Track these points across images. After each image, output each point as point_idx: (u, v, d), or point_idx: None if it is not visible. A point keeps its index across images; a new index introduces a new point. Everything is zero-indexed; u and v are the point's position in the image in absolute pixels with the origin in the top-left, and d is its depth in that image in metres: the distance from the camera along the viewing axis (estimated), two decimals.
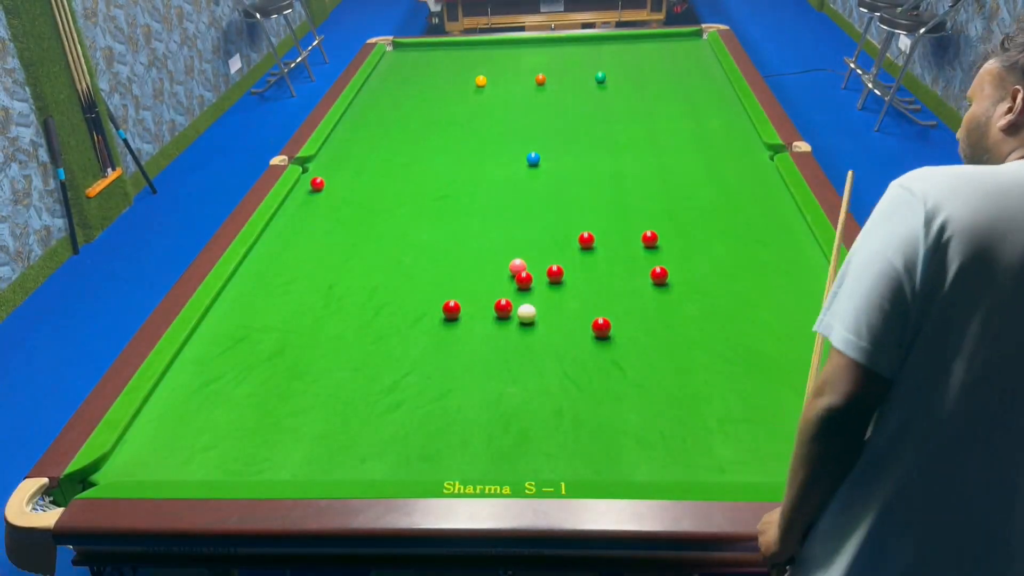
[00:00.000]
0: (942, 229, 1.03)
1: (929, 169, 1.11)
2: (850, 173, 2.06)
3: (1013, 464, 1.10)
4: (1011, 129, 1.16)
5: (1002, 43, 1.19)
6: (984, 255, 1.02)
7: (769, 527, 1.35)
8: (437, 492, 1.70)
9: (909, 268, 1.04)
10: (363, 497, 1.69)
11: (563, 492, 1.68)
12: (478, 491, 1.69)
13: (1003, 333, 1.04)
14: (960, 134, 1.27)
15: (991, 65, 1.20)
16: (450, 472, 1.80)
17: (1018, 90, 1.15)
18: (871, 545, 1.17)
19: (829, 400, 1.10)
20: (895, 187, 1.11)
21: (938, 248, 1.03)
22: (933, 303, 1.04)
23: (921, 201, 1.05)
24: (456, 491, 1.70)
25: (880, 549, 1.17)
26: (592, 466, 1.80)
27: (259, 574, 2.18)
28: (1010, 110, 1.16)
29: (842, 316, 1.10)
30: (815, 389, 1.13)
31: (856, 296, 1.08)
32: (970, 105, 1.25)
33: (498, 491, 1.69)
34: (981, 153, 1.22)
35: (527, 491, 1.69)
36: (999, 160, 1.17)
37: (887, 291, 1.06)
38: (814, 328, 1.17)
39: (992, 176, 1.08)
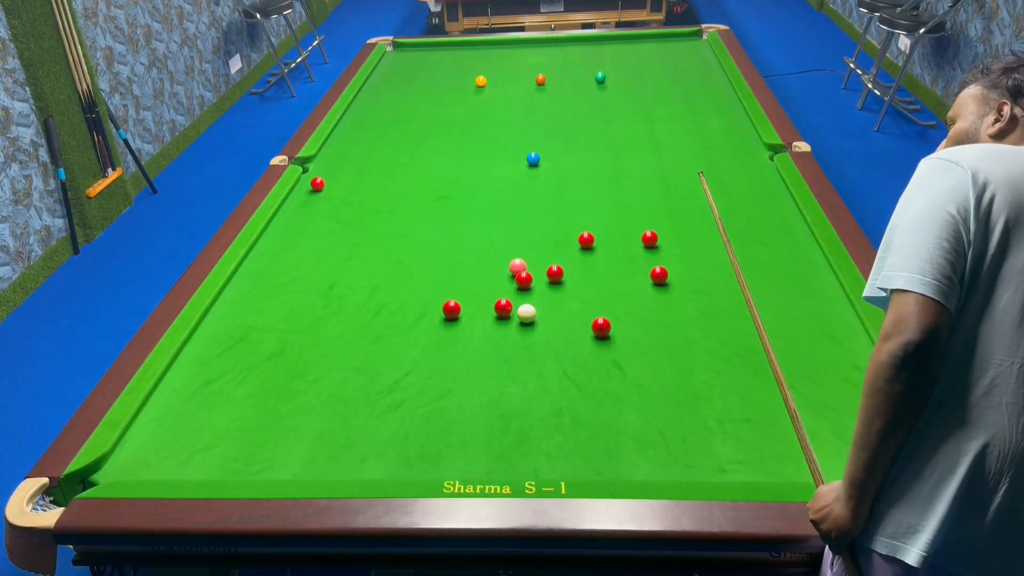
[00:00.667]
0: (986, 185, 1.20)
1: (956, 147, 1.30)
2: (701, 175, 2.20)
3: None
4: (999, 136, 1.34)
5: (982, 70, 1.41)
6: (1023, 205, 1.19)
7: (831, 507, 1.32)
8: (437, 492, 1.70)
9: (963, 216, 1.19)
10: (363, 497, 1.69)
11: (563, 492, 1.68)
12: (478, 491, 1.69)
13: None
14: (946, 147, 1.38)
15: (973, 89, 1.41)
16: (450, 472, 1.80)
17: (1004, 103, 1.34)
18: (962, 488, 1.20)
19: (905, 337, 1.16)
20: (933, 159, 1.27)
21: (984, 201, 1.19)
22: (988, 246, 1.19)
23: (963, 165, 1.22)
24: (456, 491, 1.70)
25: (971, 487, 1.20)
26: (592, 466, 1.80)
27: (259, 574, 2.18)
28: (997, 120, 1.35)
29: (903, 263, 1.20)
30: (881, 335, 1.19)
31: (914, 244, 1.20)
32: (952, 125, 1.43)
33: (498, 491, 1.69)
34: None
35: (527, 491, 1.69)
36: None
37: (945, 232, 1.19)
38: (864, 296, 1.29)
39: (1011, 148, 1.27)
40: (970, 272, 1.19)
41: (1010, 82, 1.35)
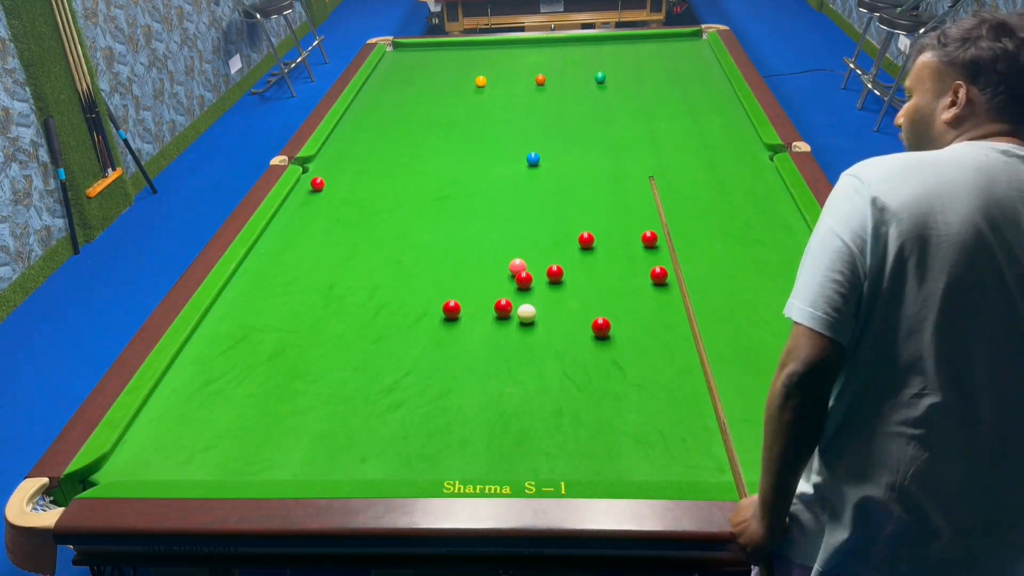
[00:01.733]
0: (886, 210, 1.13)
1: (875, 158, 1.21)
2: (651, 179, 2.31)
3: (976, 419, 1.15)
4: (955, 122, 1.24)
5: (938, 38, 1.25)
6: (924, 230, 1.12)
7: (747, 523, 1.36)
8: (437, 492, 1.70)
9: (859, 245, 1.14)
10: (363, 497, 1.69)
11: (563, 492, 1.68)
12: (478, 491, 1.69)
13: (947, 297, 1.12)
14: (903, 125, 1.33)
15: (929, 59, 1.26)
16: (450, 472, 1.80)
17: (960, 85, 1.22)
18: (857, 511, 1.22)
19: (792, 367, 1.17)
20: (845, 176, 1.21)
21: (883, 226, 1.13)
22: (882, 276, 1.13)
23: (867, 186, 1.16)
24: (456, 491, 1.70)
25: (865, 511, 1.21)
26: (592, 466, 1.80)
27: (259, 574, 2.18)
28: (953, 103, 1.23)
29: (800, 292, 1.20)
30: (779, 364, 1.20)
31: (810, 272, 1.19)
32: (910, 96, 1.31)
33: (498, 491, 1.69)
34: (926, 144, 1.28)
35: (527, 491, 1.69)
36: (941, 147, 1.24)
37: (839, 264, 1.15)
38: (784, 313, 1.24)
39: (930, 160, 1.18)
40: (867, 303, 1.15)
41: (968, 55, 1.20)
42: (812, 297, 1.17)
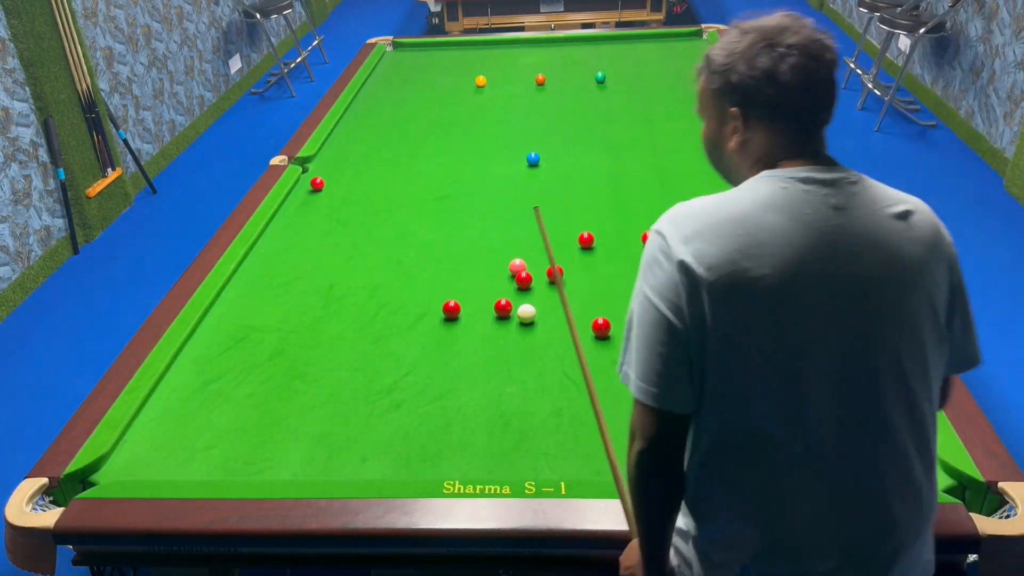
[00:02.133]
0: (695, 274, 1.08)
1: (679, 210, 1.15)
2: (536, 209, 2.31)
3: (823, 462, 1.12)
4: (741, 150, 1.18)
5: (707, 61, 1.20)
6: (736, 288, 1.07)
7: (634, 570, 1.34)
8: (437, 492, 1.70)
9: (676, 313, 1.09)
10: (363, 497, 1.69)
11: (563, 492, 1.68)
12: (478, 491, 1.69)
13: (774, 349, 1.09)
14: (705, 152, 1.29)
15: (703, 84, 1.22)
16: (450, 472, 1.80)
17: (735, 112, 1.16)
18: (721, 563, 1.20)
19: (638, 445, 1.16)
20: (652, 233, 1.16)
21: (696, 292, 1.08)
22: (706, 337, 1.09)
23: (673, 248, 1.10)
24: (456, 491, 1.70)
25: (728, 560, 1.20)
26: (592, 466, 1.80)
27: (259, 574, 2.18)
28: (735, 129, 1.17)
29: (635, 365, 1.15)
30: (629, 434, 1.18)
31: (640, 346, 1.14)
32: (704, 121, 1.25)
33: (498, 491, 1.69)
34: (727, 172, 1.25)
35: (527, 491, 1.69)
36: (743, 175, 1.19)
37: (663, 336, 1.10)
38: (618, 372, 1.20)
39: (731, 209, 1.11)
40: (698, 365, 1.11)
41: (734, 79, 1.14)
42: (643, 370, 1.13)
